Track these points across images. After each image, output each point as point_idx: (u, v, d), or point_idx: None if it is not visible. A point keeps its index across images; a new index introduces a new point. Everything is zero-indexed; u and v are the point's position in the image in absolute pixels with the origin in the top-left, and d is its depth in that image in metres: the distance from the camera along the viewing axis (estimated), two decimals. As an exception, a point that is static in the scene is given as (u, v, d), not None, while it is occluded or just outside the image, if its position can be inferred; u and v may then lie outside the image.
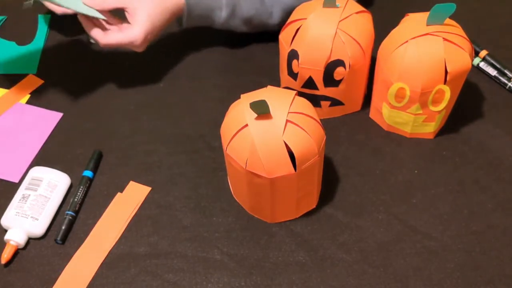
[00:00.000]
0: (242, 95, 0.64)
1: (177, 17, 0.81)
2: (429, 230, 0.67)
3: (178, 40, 0.91)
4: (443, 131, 0.77)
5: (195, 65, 0.87)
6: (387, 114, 0.75)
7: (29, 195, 0.69)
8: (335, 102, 0.77)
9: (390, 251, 0.66)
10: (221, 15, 0.82)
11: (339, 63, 0.72)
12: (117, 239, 0.68)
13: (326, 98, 0.76)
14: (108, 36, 0.75)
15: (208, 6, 0.81)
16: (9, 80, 0.86)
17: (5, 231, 0.68)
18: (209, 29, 0.92)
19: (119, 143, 0.78)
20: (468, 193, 0.71)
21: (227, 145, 0.62)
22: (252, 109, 0.58)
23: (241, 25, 0.84)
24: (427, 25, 0.68)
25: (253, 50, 0.89)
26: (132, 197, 0.72)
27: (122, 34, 0.76)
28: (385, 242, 0.67)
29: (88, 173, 0.73)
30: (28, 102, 0.84)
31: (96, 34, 0.75)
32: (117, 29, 0.78)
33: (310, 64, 0.72)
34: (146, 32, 0.75)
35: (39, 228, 0.68)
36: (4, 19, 0.97)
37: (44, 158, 0.76)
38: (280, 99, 0.61)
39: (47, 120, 0.81)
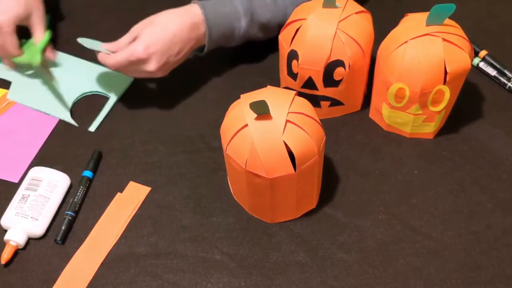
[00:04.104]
0: (242, 95, 0.64)
1: (193, 28, 0.77)
2: (429, 230, 0.67)
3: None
4: (443, 131, 0.77)
5: (195, 65, 0.87)
6: (387, 114, 0.75)
7: (29, 195, 0.69)
8: (335, 102, 0.77)
9: (390, 251, 0.66)
10: (241, 25, 0.80)
11: (339, 63, 0.72)
12: (117, 239, 0.68)
13: (326, 98, 0.76)
14: (113, 56, 0.75)
15: (227, 18, 0.79)
16: (9, 80, 0.86)
17: (5, 231, 0.68)
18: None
19: (119, 143, 0.78)
20: (468, 193, 0.71)
21: (227, 145, 0.62)
22: (252, 109, 0.58)
23: (259, 32, 0.83)
24: (427, 25, 0.68)
25: (253, 50, 0.89)
26: (132, 197, 0.72)
27: (125, 49, 0.75)
28: (385, 242, 0.67)
29: (88, 173, 0.73)
30: (28, 102, 0.84)
31: (104, 59, 0.75)
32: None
33: (310, 64, 0.72)
34: (146, 43, 0.73)
35: (39, 228, 0.68)
36: (4, 20, 0.96)
37: (44, 158, 0.76)
38: (280, 99, 0.61)
39: (47, 120, 0.81)
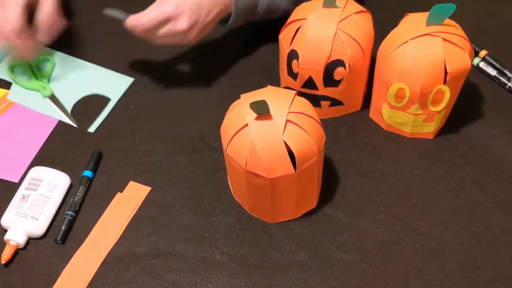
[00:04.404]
0: (242, 95, 0.64)
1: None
2: (429, 230, 0.67)
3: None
4: (443, 131, 0.77)
5: (195, 65, 0.87)
6: (387, 114, 0.75)
7: (29, 195, 0.69)
8: (335, 102, 0.77)
9: (390, 251, 0.66)
10: None
11: (339, 63, 0.72)
12: (117, 239, 0.68)
13: (326, 98, 0.76)
14: (142, 16, 0.73)
15: None
16: (9, 80, 0.86)
17: (5, 231, 0.68)
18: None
19: (119, 143, 0.78)
20: (468, 193, 0.71)
21: (227, 145, 0.62)
22: (252, 109, 0.58)
23: (282, 2, 0.82)
24: (427, 25, 0.68)
25: (253, 50, 0.89)
26: (132, 197, 0.72)
27: (154, 9, 0.73)
28: (385, 242, 0.67)
29: (88, 173, 0.73)
30: (28, 102, 0.84)
31: (132, 22, 0.73)
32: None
33: (310, 64, 0.72)
34: (176, 2, 0.72)
35: (39, 228, 0.68)
36: (4, 19, 0.96)
37: (44, 158, 0.76)
38: (280, 99, 0.61)
39: (47, 120, 0.81)
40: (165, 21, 0.73)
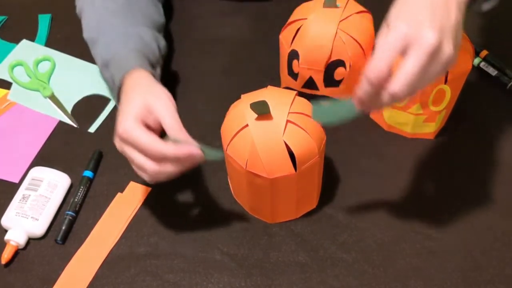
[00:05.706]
0: (242, 95, 0.64)
1: None
2: (429, 230, 0.67)
3: (177, 40, 0.91)
4: (443, 131, 0.77)
5: (195, 65, 0.87)
6: (388, 114, 0.75)
7: (30, 195, 0.69)
8: (335, 102, 0.77)
9: (390, 251, 0.66)
10: None
11: (340, 63, 0.72)
12: (117, 239, 0.68)
13: (326, 98, 0.76)
14: (401, 77, 0.51)
15: None
16: (9, 80, 0.86)
17: (5, 231, 0.68)
18: (209, 28, 0.92)
19: (119, 143, 0.78)
20: (468, 193, 0.71)
21: (228, 145, 0.62)
22: (253, 109, 0.58)
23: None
24: (427, 25, 0.68)
25: (254, 50, 0.89)
26: (132, 197, 0.72)
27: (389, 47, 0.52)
28: (385, 242, 0.67)
29: (88, 173, 0.73)
30: (28, 102, 0.84)
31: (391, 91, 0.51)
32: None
33: (311, 64, 0.72)
34: (417, 22, 0.50)
35: (39, 228, 0.68)
36: (4, 19, 0.97)
37: (44, 158, 0.76)
38: (281, 99, 0.61)
39: (47, 120, 0.81)
40: (431, 55, 0.49)
